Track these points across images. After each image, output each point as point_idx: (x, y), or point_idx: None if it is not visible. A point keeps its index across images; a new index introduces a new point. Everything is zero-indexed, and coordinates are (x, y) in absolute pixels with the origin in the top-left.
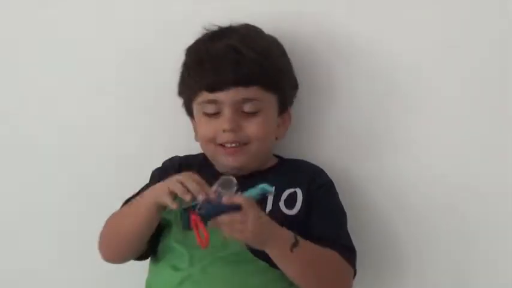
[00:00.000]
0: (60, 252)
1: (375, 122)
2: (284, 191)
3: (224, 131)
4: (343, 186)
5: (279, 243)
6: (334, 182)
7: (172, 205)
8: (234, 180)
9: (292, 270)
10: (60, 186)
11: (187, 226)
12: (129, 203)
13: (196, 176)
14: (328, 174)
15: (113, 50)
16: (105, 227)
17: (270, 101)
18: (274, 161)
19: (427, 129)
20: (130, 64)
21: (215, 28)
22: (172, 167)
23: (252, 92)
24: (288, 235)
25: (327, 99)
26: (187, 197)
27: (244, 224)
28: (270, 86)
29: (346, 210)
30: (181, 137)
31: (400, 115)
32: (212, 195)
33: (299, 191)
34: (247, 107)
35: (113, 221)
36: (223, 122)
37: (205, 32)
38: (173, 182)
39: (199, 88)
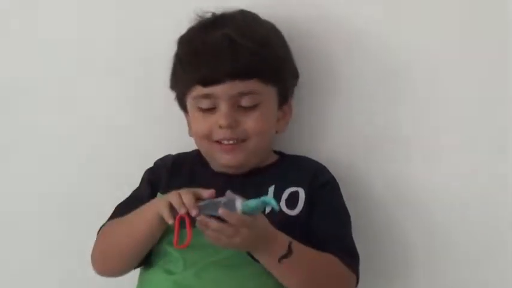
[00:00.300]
0: (44, 253)
1: (381, 114)
2: (285, 190)
3: (220, 127)
4: (347, 184)
5: (268, 253)
6: (337, 179)
7: (169, 220)
8: (239, 202)
9: (284, 280)
10: (48, 187)
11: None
12: (125, 218)
13: (196, 191)
14: (331, 171)
15: (102, 39)
16: (100, 241)
17: (269, 93)
18: (275, 157)
19: (434, 123)
20: (119, 55)
21: (209, 15)
22: (164, 166)
23: (249, 85)
24: (281, 244)
25: (329, 89)
26: (183, 210)
27: (230, 239)
28: (269, 78)
29: (349, 207)
30: (174, 133)
31: (408, 106)
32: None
33: (301, 190)
34: (244, 101)
35: (109, 236)
36: (219, 118)
37: (198, 19)
38: (172, 195)
39: (193, 82)
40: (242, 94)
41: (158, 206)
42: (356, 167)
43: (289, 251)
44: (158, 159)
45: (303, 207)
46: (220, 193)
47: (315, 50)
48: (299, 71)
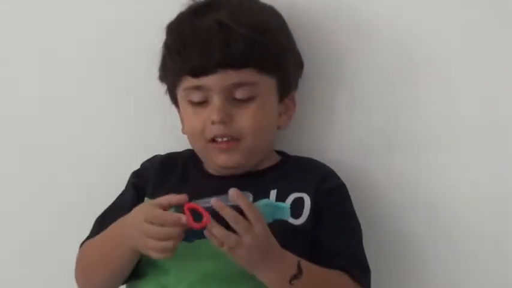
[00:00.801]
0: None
1: (390, 111)
2: (289, 195)
3: (213, 122)
4: (354, 187)
5: (277, 272)
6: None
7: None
8: (250, 195)
9: None
10: (35, 187)
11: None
12: (98, 238)
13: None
14: (339, 175)
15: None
16: (79, 261)
17: (267, 85)
18: (277, 158)
19: (446, 121)
20: (106, 44)
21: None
22: (152, 168)
23: (244, 75)
24: (290, 263)
25: (333, 84)
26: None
27: (239, 240)
28: (266, 68)
29: (357, 211)
30: (166, 132)
31: (419, 104)
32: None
33: (306, 197)
34: (239, 93)
35: (86, 257)
36: (211, 112)
37: (189, 4)
38: (146, 239)
39: (183, 72)
40: (236, 85)
41: (136, 244)
42: (361, 167)
43: (299, 271)
44: (146, 161)
45: (309, 216)
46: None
47: (317, 36)
48: None
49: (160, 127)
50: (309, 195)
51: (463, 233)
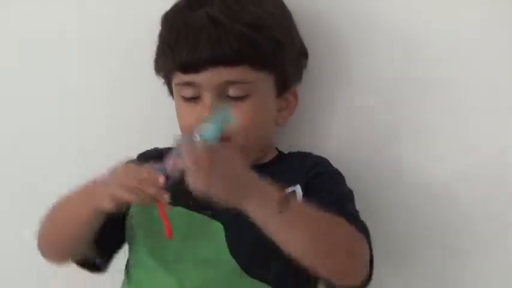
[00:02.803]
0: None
1: (392, 107)
2: None
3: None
4: (356, 184)
5: (263, 200)
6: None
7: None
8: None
9: (287, 239)
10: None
11: None
12: (68, 195)
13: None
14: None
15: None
16: (43, 221)
17: (263, 81)
18: (274, 153)
19: (451, 118)
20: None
21: None
22: (146, 160)
23: (236, 72)
24: (274, 190)
25: (335, 79)
26: (151, 189)
27: (206, 176)
28: (261, 64)
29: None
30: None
31: (423, 102)
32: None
33: (298, 189)
34: (232, 91)
35: (51, 216)
36: (202, 109)
37: None
38: (113, 187)
39: (173, 68)
40: (228, 83)
41: (96, 199)
42: (363, 165)
43: (286, 199)
44: (141, 153)
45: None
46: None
47: (319, 26)
48: None
49: (162, 126)
50: (300, 185)
51: (462, 233)
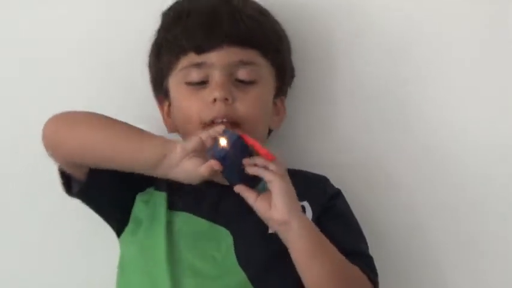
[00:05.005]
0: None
1: (391, 108)
2: None
3: (215, 100)
4: (350, 187)
5: (303, 221)
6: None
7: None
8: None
9: (308, 264)
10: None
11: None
12: (122, 127)
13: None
14: (326, 174)
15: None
16: (78, 118)
17: (268, 72)
18: None
19: (447, 123)
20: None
21: None
22: None
23: (249, 54)
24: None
25: (327, 85)
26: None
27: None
28: (268, 52)
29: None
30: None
31: (414, 108)
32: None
33: (307, 205)
34: (242, 74)
35: (92, 124)
36: (213, 90)
37: None
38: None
39: (184, 50)
40: (241, 63)
41: (169, 148)
42: (358, 168)
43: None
44: None
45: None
46: (211, 202)
47: (310, 39)
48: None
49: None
50: (309, 203)
51: (461, 233)
